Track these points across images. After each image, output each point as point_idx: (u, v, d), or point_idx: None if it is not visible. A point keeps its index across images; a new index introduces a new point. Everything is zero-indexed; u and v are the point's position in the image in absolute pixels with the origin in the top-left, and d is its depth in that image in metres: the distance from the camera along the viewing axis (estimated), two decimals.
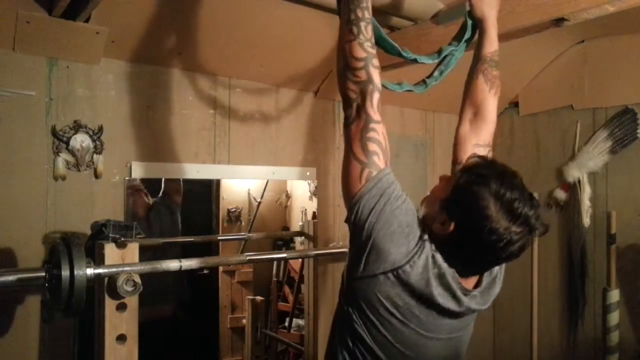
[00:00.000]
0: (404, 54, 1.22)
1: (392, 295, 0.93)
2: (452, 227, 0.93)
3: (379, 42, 1.17)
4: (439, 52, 1.31)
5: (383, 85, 1.06)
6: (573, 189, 2.52)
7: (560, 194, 2.56)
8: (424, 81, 1.31)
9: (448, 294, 0.95)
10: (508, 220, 0.90)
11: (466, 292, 0.97)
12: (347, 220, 0.98)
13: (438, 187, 1.03)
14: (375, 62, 0.99)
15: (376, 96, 0.97)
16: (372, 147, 0.95)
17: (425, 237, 0.95)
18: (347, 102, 0.99)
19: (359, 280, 0.95)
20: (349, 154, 0.97)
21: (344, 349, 1.01)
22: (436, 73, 1.32)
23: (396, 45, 1.20)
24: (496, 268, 1.06)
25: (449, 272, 0.94)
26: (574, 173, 2.50)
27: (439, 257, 0.94)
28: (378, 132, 0.96)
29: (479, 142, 1.19)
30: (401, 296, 0.93)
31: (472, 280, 1.01)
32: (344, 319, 1.01)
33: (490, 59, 1.25)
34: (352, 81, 0.98)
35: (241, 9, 1.67)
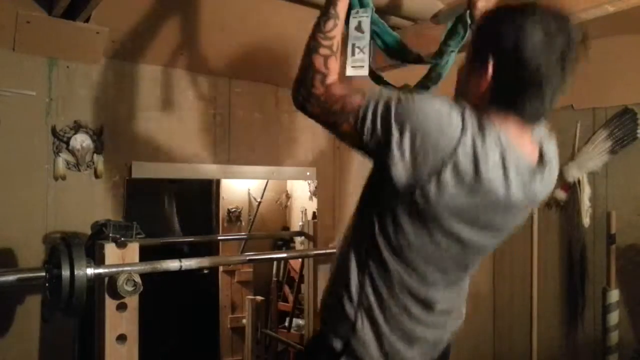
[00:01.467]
0: (408, 53, 1.21)
1: (452, 185, 0.82)
2: (490, 66, 0.85)
3: (385, 39, 1.17)
4: (441, 54, 1.30)
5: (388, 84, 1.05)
6: (573, 189, 2.52)
7: (560, 194, 2.56)
8: (426, 85, 1.31)
9: (510, 175, 0.85)
10: (544, 31, 0.83)
11: (533, 174, 0.89)
12: (358, 134, 0.87)
13: (459, 74, 0.97)
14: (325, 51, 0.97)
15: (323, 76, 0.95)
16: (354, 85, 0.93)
17: (465, 104, 0.85)
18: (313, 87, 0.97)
19: (406, 180, 0.83)
20: (338, 99, 0.91)
21: (369, 257, 0.94)
22: (434, 74, 1.31)
23: (400, 40, 1.19)
24: (552, 156, 0.98)
25: (512, 151, 0.85)
26: (573, 173, 2.50)
27: (500, 131, 0.84)
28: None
29: None
30: (460, 184, 0.83)
31: (533, 147, 0.92)
32: (365, 233, 0.94)
33: None
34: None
35: (241, 9, 1.67)
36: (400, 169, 0.83)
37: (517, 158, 0.87)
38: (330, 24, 0.99)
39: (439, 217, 0.87)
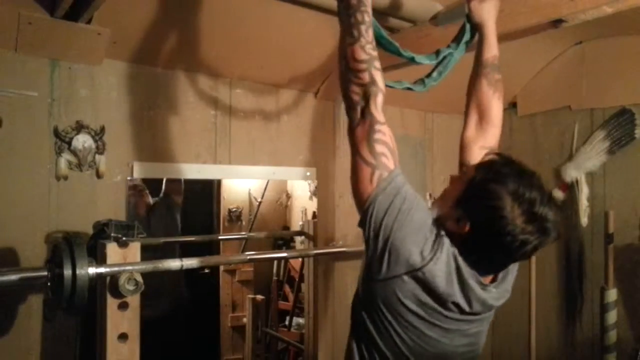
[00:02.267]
0: (402, 52, 1.23)
1: (415, 294, 0.92)
2: (467, 226, 0.92)
3: (378, 40, 1.18)
4: (437, 53, 1.32)
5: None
6: (571, 189, 2.53)
7: (559, 194, 2.57)
8: (422, 80, 1.33)
9: (468, 292, 0.94)
10: (525, 221, 0.89)
11: (484, 286, 0.97)
12: (360, 224, 0.96)
13: (449, 188, 1.03)
14: (377, 64, 0.99)
15: (380, 98, 0.97)
16: (380, 148, 0.94)
17: (443, 233, 0.93)
18: (350, 106, 0.98)
19: (381, 283, 0.93)
20: (356, 158, 0.96)
21: (358, 354, 1.01)
22: (435, 74, 1.33)
23: (395, 43, 1.21)
24: (509, 268, 1.05)
25: (467, 269, 0.94)
26: (571, 173, 2.51)
27: (457, 253, 0.93)
28: (384, 133, 0.96)
29: (485, 144, 1.19)
30: (423, 296, 0.92)
31: (488, 278, 1.01)
32: (359, 324, 1.01)
33: (492, 63, 1.26)
34: (355, 84, 0.97)
35: (242, 10, 1.68)
36: (375, 269, 0.93)
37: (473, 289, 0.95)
38: (370, 32, 1.02)
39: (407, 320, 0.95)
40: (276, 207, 3.32)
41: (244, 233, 3.14)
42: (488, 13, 1.28)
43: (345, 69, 0.99)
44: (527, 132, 2.74)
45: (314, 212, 2.43)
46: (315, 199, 2.41)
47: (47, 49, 1.62)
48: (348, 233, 2.36)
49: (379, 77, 0.98)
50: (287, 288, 3.26)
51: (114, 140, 1.78)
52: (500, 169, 0.94)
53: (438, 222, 0.95)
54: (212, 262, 2.44)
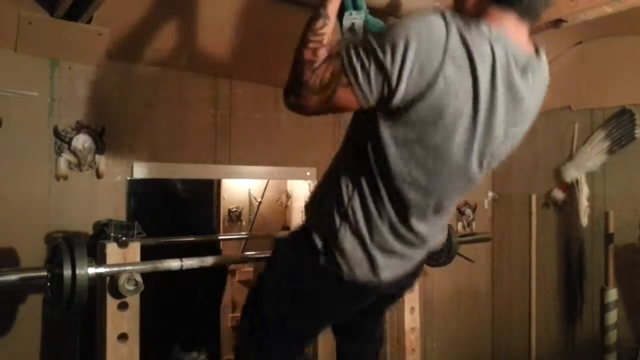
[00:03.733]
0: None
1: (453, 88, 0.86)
2: None
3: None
4: None
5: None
6: (571, 189, 2.53)
7: (559, 194, 2.57)
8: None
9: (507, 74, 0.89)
10: None
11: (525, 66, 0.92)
12: (351, 78, 0.89)
13: None
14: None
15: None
16: (322, 68, 0.92)
17: (442, 10, 0.88)
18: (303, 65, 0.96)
19: (402, 101, 0.88)
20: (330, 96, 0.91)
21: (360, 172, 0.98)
22: None
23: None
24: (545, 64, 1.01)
25: (494, 31, 0.88)
26: (572, 173, 2.51)
27: (474, 21, 0.88)
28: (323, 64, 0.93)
29: None
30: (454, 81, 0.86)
31: (529, 42, 0.96)
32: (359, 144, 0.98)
33: None
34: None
35: (241, 9, 1.68)
36: (402, 87, 0.86)
37: (508, 45, 0.90)
38: (319, 22, 0.99)
39: (442, 123, 0.89)
40: (276, 207, 3.32)
41: (244, 233, 3.14)
42: None
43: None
44: (527, 132, 2.73)
45: None
46: None
47: (47, 49, 1.62)
48: None
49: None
50: None
51: (114, 140, 1.78)
52: None
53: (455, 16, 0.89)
54: (212, 262, 2.44)
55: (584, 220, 2.47)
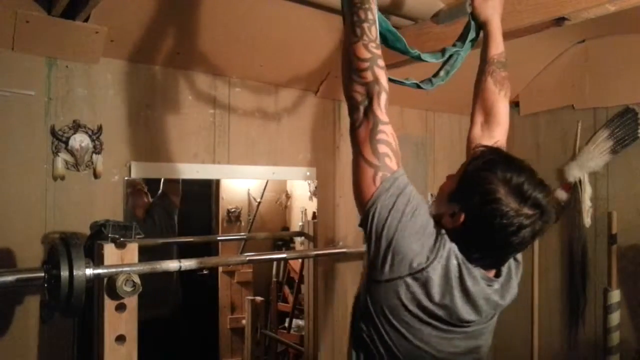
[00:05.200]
0: (409, 50, 1.21)
1: (417, 297, 0.91)
2: (462, 217, 0.92)
3: (385, 36, 1.16)
4: (443, 51, 1.30)
5: (390, 79, 1.05)
6: (574, 189, 2.52)
7: (561, 194, 2.55)
8: (430, 80, 1.31)
9: (471, 295, 0.93)
10: (518, 202, 0.88)
11: (490, 282, 0.96)
12: (362, 225, 0.95)
13: (445, 184, 1.02)
14: (381, 62, 0.97)
15: (383, 97, 0.95)
16: (383, 149, 0.93)
17: (443, 231, 0.93)
18: (353, 105, 0.96)
19: (383, 284, 0.92)
20: (359, 158, 0.94)
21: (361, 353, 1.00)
22: (442, 73, 1.31)
23: (403, 39, 1.19)
24: (512, 266, 1.04)
25: (469, 266, 0.93)
26: (574, 173, 2.49)
27: (457, 250, 0.92)
28: (387, 134, 0.94)
29: (491, 143, 1.17)
30: (425, 300, 0.91)
31: (491, 272, 0.99)
32: (358, 332, 1.00)
33: (498, 60, 1.25)
34: (358, 83, 0.95)
35: (241, 8, 1.67)
36: (378, 270, 0.92)
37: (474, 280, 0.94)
38: (373, 30, 0.99)
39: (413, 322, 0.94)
40: (276, 208, 3.30)
41: (243, 234, 3.13)
42: (493, 10, 1.27)
43: (348, 68, 0.97)
44: (529, 131, 2.72)
45: (314, 213, 2.41)
46: (315, 199, 2.39)
47: (44, 48, 1.61)
48: (348, 234, 2.34)
49: (382, 75, 0.96)
50: (286, 289, 3.24)
51: (111, 139, 1.76)
52: (490, 157, 0.95)
53: (436, 221, 0.94)
54: (211, 263, 2.43)
55: (587, 220, 2.45)
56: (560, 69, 2.57)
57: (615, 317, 2.29)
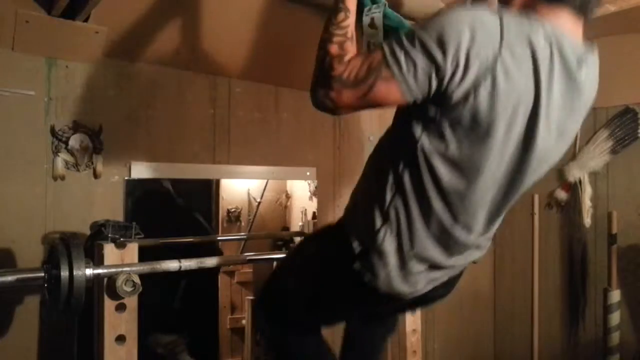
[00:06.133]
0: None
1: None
2: None
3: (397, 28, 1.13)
4: None
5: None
6: (574, 189, 2.51)
7: (561, 194, 2.55)
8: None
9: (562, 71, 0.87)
10: None
11: (581, 59, 0.90)
12: (396, 72, 0.84)
13: None
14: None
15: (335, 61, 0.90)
16: (367, 66, 0.86)
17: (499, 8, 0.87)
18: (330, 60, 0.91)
19: (458, 87, 0.83)
20: (375, 84, 0.85)
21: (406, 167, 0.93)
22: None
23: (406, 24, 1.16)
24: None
25: (549, 29, 0.86)
26: (574, 173, 2.49)
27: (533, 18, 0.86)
28: (357, 62, 0.88)
29: None
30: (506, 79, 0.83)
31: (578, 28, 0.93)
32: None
33: None
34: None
35: (241, 9, 1.67)
36: (454, 82, 0.82)
37: (564, 38, 0.87)
38: (340, 15, 0.95)
39: (497, 121, 0.85)
40: (275, 208, 3.30)
41: (243, 234, 3.13)
42: None
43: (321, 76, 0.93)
44: None
45: (314, 213, 2.41)
46: (315, 199, 2.39)
47: (44, 48, 1.61)
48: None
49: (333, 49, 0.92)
50: None
51: (111, 139, 1.76)
52: None
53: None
54: (211, 263, 2.42)
55: (587, 220, 2.45)
56: None
57: (615, 317, 2.29)
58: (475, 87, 0.82)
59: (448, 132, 0.87)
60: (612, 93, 2.41)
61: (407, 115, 0.93)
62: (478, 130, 0.86)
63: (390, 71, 0.84)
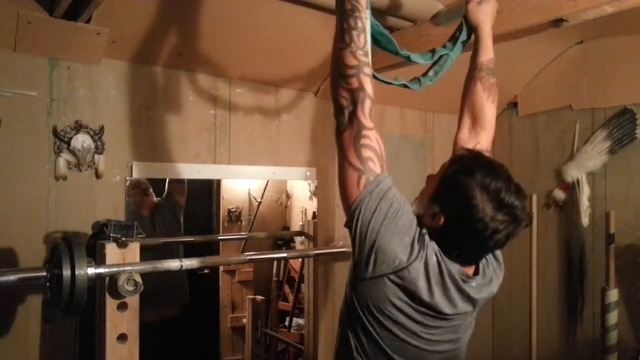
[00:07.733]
0: (399, 51, 1.22)
1: (399, 294, 0.95)
2: (442, 219, 0.96)
3: (377, 38, 1.17)
4: (433, 52, 1.31)
5: (378, 78, 1.06)
6: (572, 189, 2.52)
7: (559, 194, 2.56)
8: (418, 79, 1.31)
9: (450, 291, 0.97)
10: (494, 209, 0.93)
11: (467, 279, 1.00)
12: (347, 226, 0.99)
13: (426, 186, 1.07)
14: (368, 70, 0.99)
15: (368, 104, 0.97)
16: (367, 153, 0.96)
17: (424, 231, 0.97)
18: (339, 110, 0.99)
19: (367, 282, 0.96)
20: (343, 162, 0.98)
21: (354, 350, 1.03)
22: (431, 73, 1.32)
23: (394, 40, 1.20)
24: (491, 263, 1.09)
25: (448, 262, 0.97)
26: (572, 173, 2.50)
27: (437, 248, 0.97)
28: (371, 139, 0.97)
29: (477, 147, 1.20)
30: (409, 294, 0.95)
31: (470, 269, 1.03)
32: (350, 325, 1.03)
33: (487, 67, 1.26)
34: (344, 88, 0.98)
35: (241, 9, 1.67)
36: (362, 268, 0.96)
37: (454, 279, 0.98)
38: (362, 38, 1.01)
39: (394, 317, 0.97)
40: (276, 207, 3.31)
41: (243, 233, 3.14)
42: (485, 16, 1.28)
43: (336, 74, 1.00)
44: (528, 131, 2.73)
45: (314, 212, 2.42)
46: (315, 199, 2.41)
47: (46, 49, 1.62)
48: (348, 233, 2.35)
49: (367, 83, 0.98)
50: (286, 288, 3.25)
51: (113, 140, 1.77)
52: (469, 162, 0.99)
53: (418, 221, 0.98)
54: (212, 262, 2.44)
55: (585, 220, 2.46)
56: (559, 70, 2.58)
57: (613, 316, 2.30)
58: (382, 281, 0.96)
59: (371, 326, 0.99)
60: (609, 94, 2.42)
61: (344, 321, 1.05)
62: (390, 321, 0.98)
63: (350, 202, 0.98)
